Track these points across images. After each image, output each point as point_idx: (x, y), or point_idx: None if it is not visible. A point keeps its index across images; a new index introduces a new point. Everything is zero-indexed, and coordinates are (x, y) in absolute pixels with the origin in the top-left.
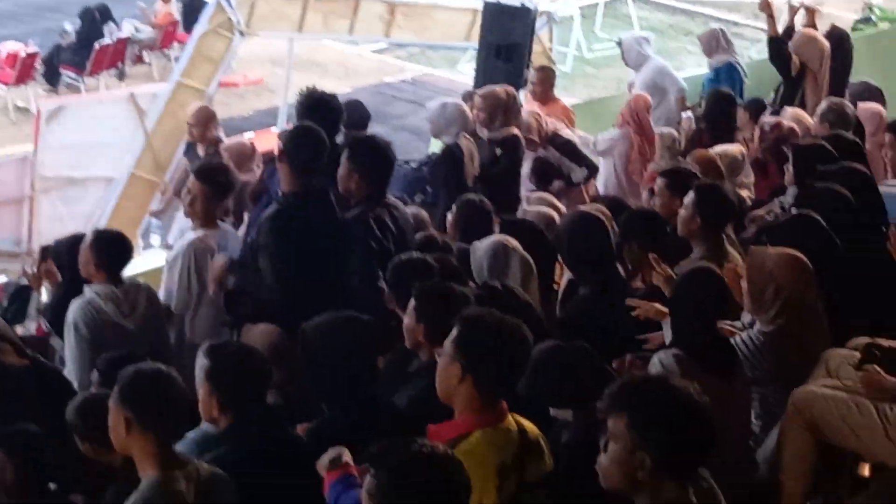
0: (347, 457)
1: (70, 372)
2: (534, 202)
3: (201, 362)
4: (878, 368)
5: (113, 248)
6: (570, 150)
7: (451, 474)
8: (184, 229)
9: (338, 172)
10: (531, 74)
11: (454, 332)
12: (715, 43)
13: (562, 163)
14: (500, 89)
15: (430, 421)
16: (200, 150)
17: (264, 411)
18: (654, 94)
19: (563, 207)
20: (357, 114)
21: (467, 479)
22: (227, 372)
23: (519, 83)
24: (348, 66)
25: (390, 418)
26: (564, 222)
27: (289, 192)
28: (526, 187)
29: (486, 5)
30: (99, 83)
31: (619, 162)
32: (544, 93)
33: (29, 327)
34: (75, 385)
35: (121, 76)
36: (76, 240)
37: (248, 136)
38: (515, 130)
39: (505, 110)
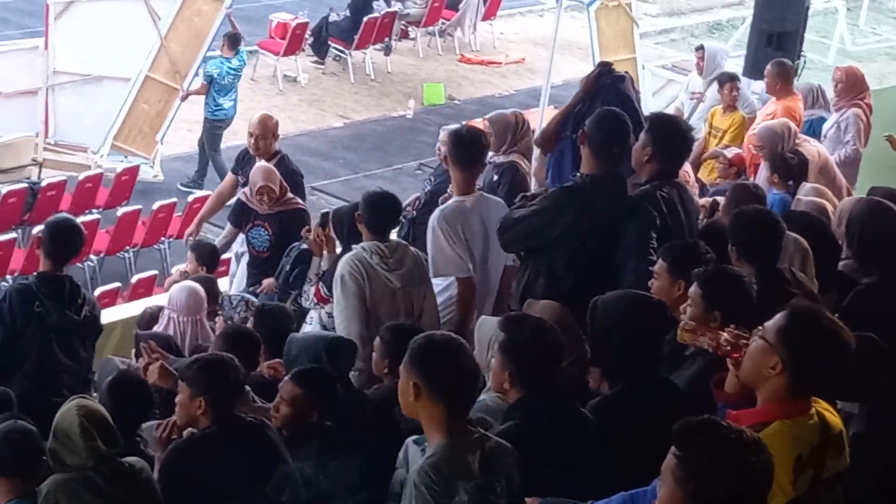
0: None
1: (338, 327)
2: (808, 192)
3: (495, 334)
4: None
5: (379, 205)
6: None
7: (761, 460)
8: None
9: (633, 146)
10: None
11: (781, 321)
12: (811, 99)
13: None
14: (510, 113)
15: (708, 402)
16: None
17: (555, 386)
18: None
19: (834, 198)
20: None
21: (773, 467)
22: (522, 346)
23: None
24: None
25: (671, 398)
26: (859, 209)
27: (587, 175)
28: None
29: None
30: (365, 57)
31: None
32: (779, 87)
33: (308, 291)
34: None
35: (387, 51)
36: (356, 207)
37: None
38: (516, 157)
39: (514, 133)
